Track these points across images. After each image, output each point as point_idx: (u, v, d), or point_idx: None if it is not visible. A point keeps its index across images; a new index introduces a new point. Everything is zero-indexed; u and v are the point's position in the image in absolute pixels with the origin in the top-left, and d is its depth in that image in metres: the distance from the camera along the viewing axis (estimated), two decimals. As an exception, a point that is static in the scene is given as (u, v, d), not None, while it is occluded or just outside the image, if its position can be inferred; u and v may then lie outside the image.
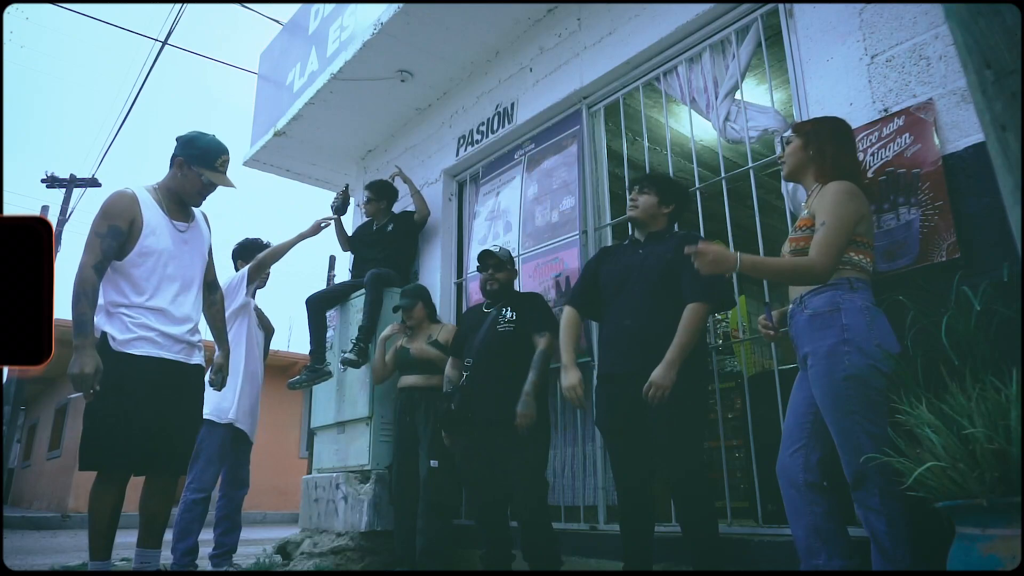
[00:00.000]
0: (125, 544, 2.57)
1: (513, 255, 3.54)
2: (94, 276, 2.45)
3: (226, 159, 2.79)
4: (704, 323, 2.53)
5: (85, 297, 2.42)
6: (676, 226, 2.89)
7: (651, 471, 2.59)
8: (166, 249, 2.65)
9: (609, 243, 3.64)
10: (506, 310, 3.20)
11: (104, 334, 2.52)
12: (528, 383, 2.96)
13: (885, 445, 1.76)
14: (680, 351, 2.42)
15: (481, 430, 3.05)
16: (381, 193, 4.64)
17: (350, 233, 4.88)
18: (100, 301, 2.52)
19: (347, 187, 4.74)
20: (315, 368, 4.13)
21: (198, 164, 2.71)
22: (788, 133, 2.30)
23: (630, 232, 2.89)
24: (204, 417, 3.36)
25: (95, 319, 2.50)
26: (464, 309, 4.36)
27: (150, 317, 2.57)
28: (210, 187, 2.76)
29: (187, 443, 2.73)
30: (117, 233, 2.52)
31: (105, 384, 2.44)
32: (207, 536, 3.72)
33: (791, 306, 2.17)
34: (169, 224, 2.69)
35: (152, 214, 2.63)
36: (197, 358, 2.72)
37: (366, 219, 4.77)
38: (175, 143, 2.76)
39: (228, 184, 2.79)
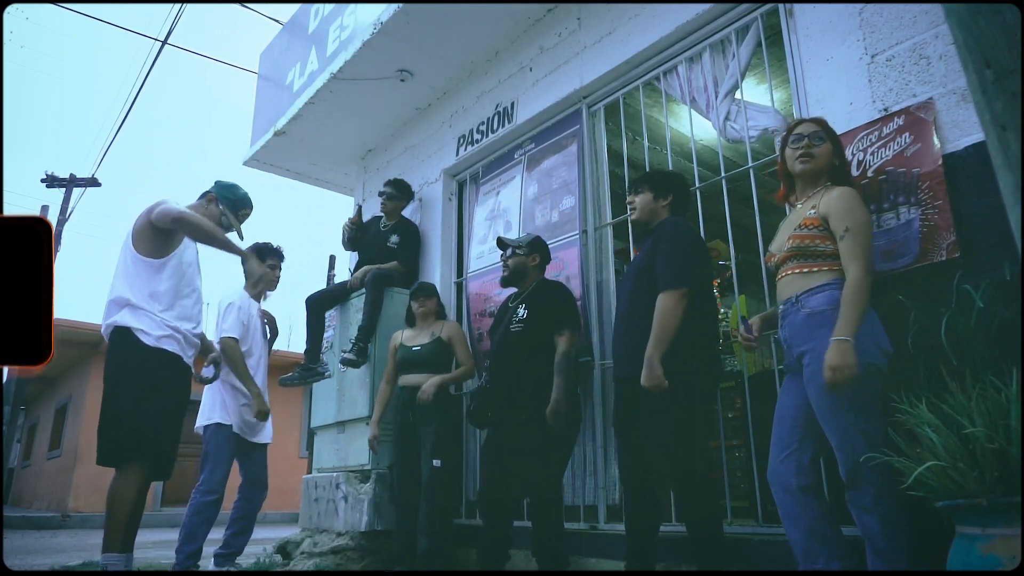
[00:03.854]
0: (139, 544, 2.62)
1: (544, 242, 3.40)
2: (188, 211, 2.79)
3: (249, 213, 3.23)
4: (676, 310, 2.42)
5: (216, 230, 2.84)
6: None
7: (647, 470, 2.58)
8: (194, 262, 2.93)
9: (610, 243, 3.66)
10: (520, 308, 3.18)
11: (128, 329, 2.61)
12: (555, 389, 2.92)
13: (880, 445, 1.76)
14: (655, 345, 2.39)
15: (495, 429, 3.12)
16: (404, 192, 4.62)
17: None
18: (127, 296, 2.65)
19: (360, 209, 4.72)
20: (308, 367, 4.12)
21: (227, 207, 3.11)
22: (820, 132, 2.20)
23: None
24: (215, 420, 3.52)
25: (117, 314, 2.64)
26: (464, 309, 4.36)
27: (177, 320, 2.72)
28: (225, 225, 3.11)
29: (178, 445, 2.84)
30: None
31: (143, 378, 2.57)
32: (214, 535, 3.72)
33: (782, 307, 2.16)
34: (192, 245, 2.98)
35: None
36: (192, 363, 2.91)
37: (374, 216, 4.76)
38: (215, 183, 3.17)
39: (240, 234, 3.18)
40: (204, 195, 3.14)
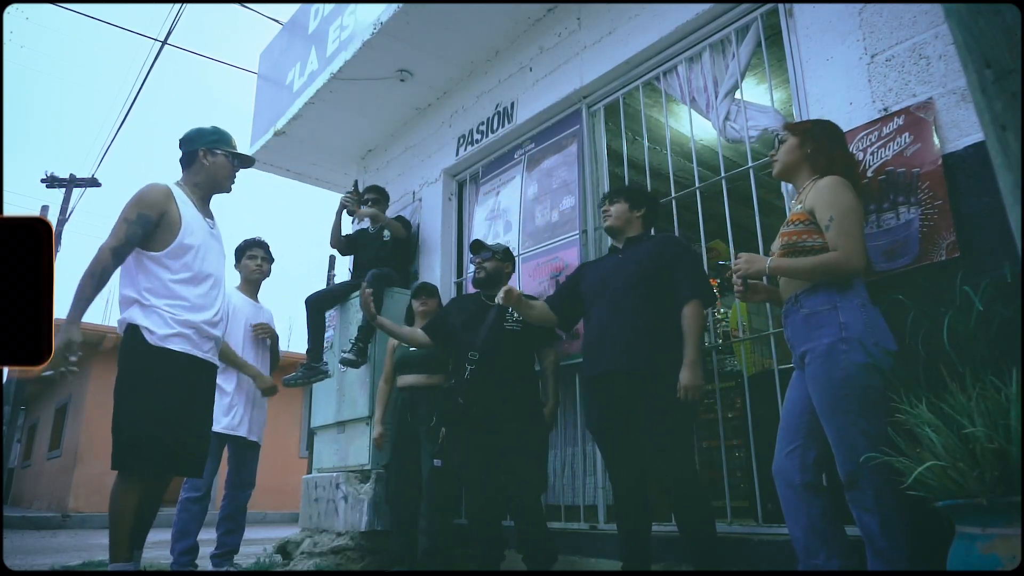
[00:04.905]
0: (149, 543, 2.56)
1: (512, 253, 3.54)
2: (110, 258, 2.44)
3: (235, 140, 2.89)
4: (704, 318, 2.63)
5: (93, 277, 2.41)
6: (652, 231, 2.99)
7: (643, 471, 2.60)
8: (202, 244, 2.67)
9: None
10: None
11: (136, 328, 2.48)
12: (553, 392, 3.21)
13: (881, 445, 1.76)
14: (697, 348, 2.52)
15: (484, 428, 3.07)
16: (385, 197, 4.67)
17: (348, 232, 4.87)
18: (133, 293, 2.52)
19: (356, 183, 4.73)
20: (311, 367, 4.13)
21: (222, 145, 2.78)
22: (783, 133, 2.31)
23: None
24: None
25: (127, 311, 2.52)
26: (464, 309, 4.36)
27: (188, 313, 2.56)
28: (237, 165, 2.83)
29: (208, 445, 2.74)
30: (145, 222, 2.52)
31: (145, 381, 2.45)
32: (210, 535, 3.71)
33: (785, 305, 2.17)
34: (202, 220, 2.72)
35: (188, 209, 2.66)
36: (216, 358, 2.74)
37: (360, 227, 4.77)
38: (183, 144, 2.79)
39: (250, 158, 2.88)
40: (191, 160, 2.76)
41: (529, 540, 2.96)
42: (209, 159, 2.74)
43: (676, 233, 3.20)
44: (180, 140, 2.81)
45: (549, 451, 3.25)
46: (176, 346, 2.52)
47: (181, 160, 2.80)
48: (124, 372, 2.52)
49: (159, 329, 2.50)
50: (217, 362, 2.75)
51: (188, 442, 2.56)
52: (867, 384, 1.89)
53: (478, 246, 3.35)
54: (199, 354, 2.60)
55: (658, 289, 2.62)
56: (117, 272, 2.51)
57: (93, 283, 2.41)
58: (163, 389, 2.47)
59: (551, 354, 3.28)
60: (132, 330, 2.50)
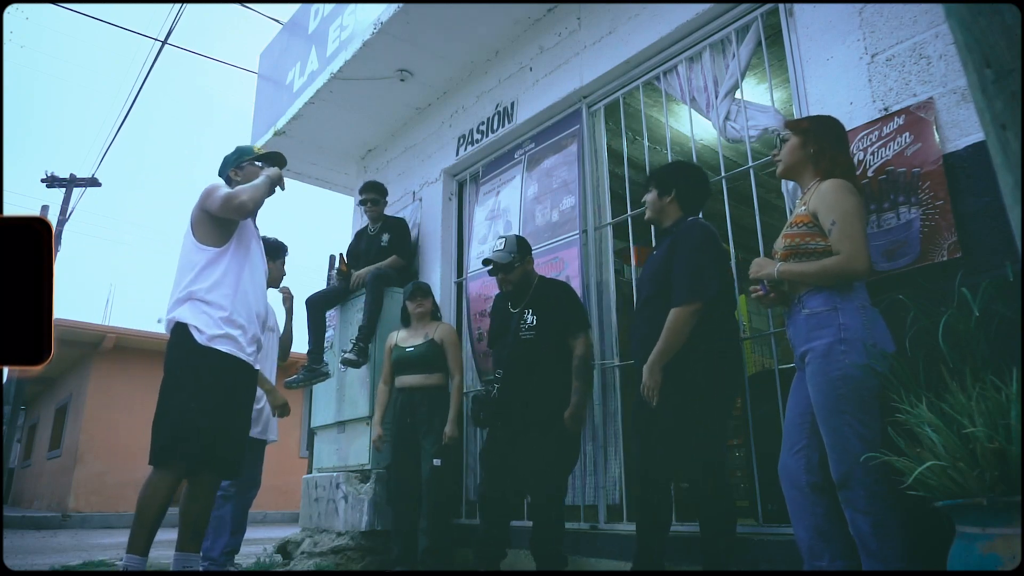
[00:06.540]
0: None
1: (527, 241, 3.35)
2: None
3: (256, 149, 3.00)
4: (686, 325, 2.40)
5: (259, 186, 2.68)
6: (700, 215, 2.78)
7: (648, 469, 2.59)
8: (257, 249, 2.77)
9: (610, 243, 3.66)
10: (527, 314, 3.13)
11: (184, 326, 2.52)
12: (574, 393, 3.00)
13: (877, 446, 1.76)
14: (659, 354, 2.43)
15: (503, 430, 3.08)
16: (382, 192, 4.66)
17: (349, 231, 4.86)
18: (189, 288, 2.55)
19: (342, 257, 4.64)
20: (312, 368, 4.13)
21: (248, 157, 2.89)
22: (784, 132, 2.29)
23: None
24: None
25: (178, 309, 2.54)
26: (464, 309, 4.36)
27: (237, 317, 2.59)
28: (267, 167, 2.89)
29: (244, 448, 2.76)
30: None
31: (190, 378, 2.48)
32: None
33: (791, 306, 2.17)
34: (252, 226, 2.82)
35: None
36: (257, 361, 2.75)
37: (361, 228, 4.77)
38: (224, 161, 2.93)
39: (279, 159, 2.94)
40: (228, 172, 2.89)
41: (539, 540, 2.95)
42: (244, 170, 2.85)
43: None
44: (224, 159, 2.95)
45: (578, 456, 3.13)
46: (224, 347, 2.54)
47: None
48: (170, 368, 2.54)
49: (208, 329, 2.52)
50: (258, 366, 2.76)
51: (224, 443, 2.58)
52: (864, 385, 1.89)
53: (493, 264, 3.18)
54: (243, 356, 2.61)
55: (662, 291, 2.54)
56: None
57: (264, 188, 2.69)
58: (206, 388, 2.49)
59: (579, 345, 3.06)
60: (180, 328, 2.54)
